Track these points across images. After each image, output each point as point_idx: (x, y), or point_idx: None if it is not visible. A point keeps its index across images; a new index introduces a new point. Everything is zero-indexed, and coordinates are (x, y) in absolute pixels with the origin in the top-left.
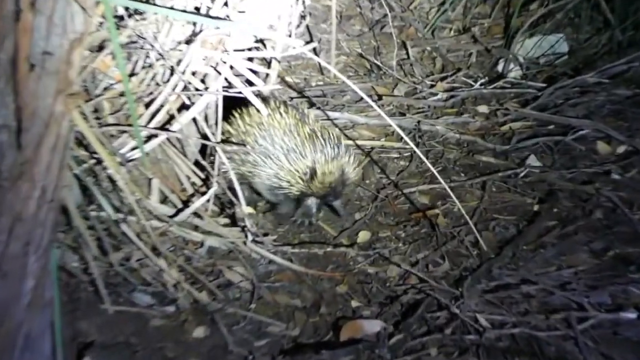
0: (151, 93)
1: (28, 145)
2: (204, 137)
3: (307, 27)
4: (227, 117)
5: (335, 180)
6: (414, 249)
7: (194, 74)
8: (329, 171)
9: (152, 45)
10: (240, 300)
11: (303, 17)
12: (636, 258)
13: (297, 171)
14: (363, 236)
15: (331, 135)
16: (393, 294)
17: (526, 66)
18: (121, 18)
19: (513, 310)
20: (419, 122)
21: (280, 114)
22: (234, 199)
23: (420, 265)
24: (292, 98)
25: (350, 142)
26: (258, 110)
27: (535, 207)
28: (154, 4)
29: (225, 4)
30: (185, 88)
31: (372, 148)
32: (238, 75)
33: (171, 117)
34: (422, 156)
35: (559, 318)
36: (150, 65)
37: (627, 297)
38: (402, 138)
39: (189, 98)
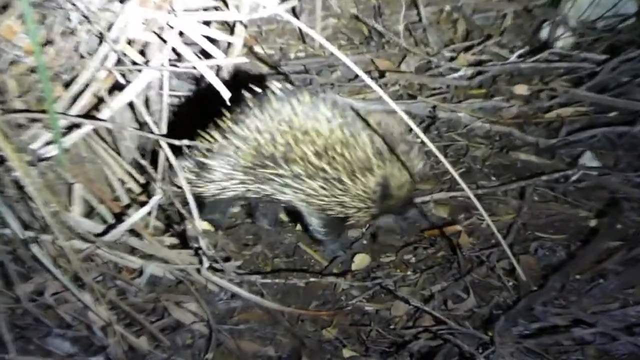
0: (73, 68)
1: None
2: (144, 127)
3: None
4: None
5: (411, 186)
6: (427, 279)
7: (130, 42)
8: (404, 181)
9: (74, 4)
10: (193, 349)
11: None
12: None
13: (365, 192)
14: (360, 261)
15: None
16: (399, 340)
17: (580, 32)
18: None
19: None
20: (434, 107)
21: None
22: (184, 211)
23: (437, 301)
24: (263, 75)
25: None
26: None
27: (592, 223)
28: None
29: None
30: (118, 62)
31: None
32: (190, 44)
33: (100, 101)
34: (438, 153)
35: None
36: (72, 31)
37: None
38: (411, 129)
39: (123, 75)
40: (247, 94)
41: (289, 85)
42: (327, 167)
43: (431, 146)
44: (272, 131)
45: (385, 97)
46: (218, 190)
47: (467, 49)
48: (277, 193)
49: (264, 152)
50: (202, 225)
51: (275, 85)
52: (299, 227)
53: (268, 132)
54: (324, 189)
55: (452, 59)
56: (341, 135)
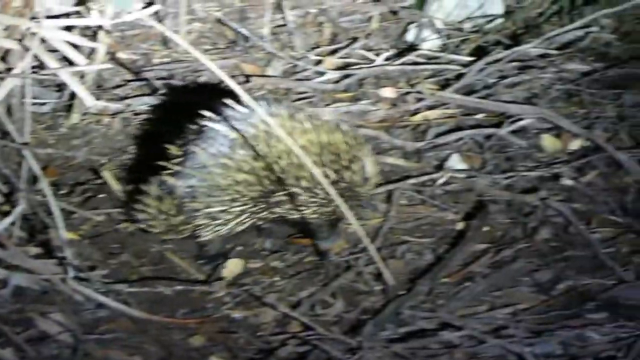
0: None
1: None
2: (7, 137)
3: None
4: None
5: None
6: (295, 285)
7: None
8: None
9: None
10: (59, 359)
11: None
12: (596, 292)
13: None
14: (233, 267)
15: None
16: (267, 347)
17: (446, 34)
18: None
19: None
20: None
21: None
22: (48, 220)
23: (305, 306)
24: (127, 81)
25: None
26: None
27: (460, 226)
28: None
29: None
30: None
31: None
32: (53, 51)
33: None
34: (305, 158)
35: None
36: None
37: (584, 346)
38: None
39: None
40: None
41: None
42: (329, 172)
43: (296, 150)
44: (270, 154)
45: (251, 102)
46: (227, 230)
47: (333, 52)
48: (288, 213)
49: (272, 177)
50: (67, 234)
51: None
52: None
53: (265, 156)
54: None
55: (318, 62)
56: (323, 137)
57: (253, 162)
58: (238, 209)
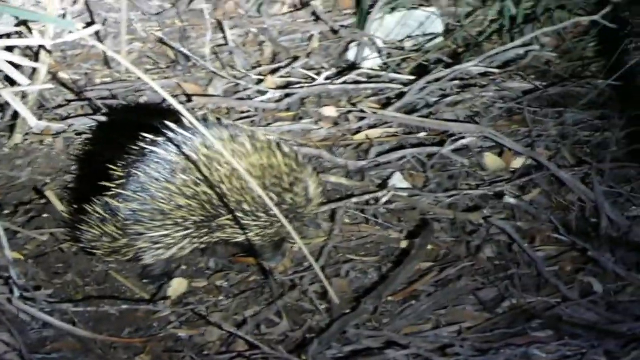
0: None
1: None
2: None
3: (87, 3)
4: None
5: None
6: (240, 304)
7: None
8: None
9: None
10: None
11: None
12: (540, 310)
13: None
14: (178, 286)
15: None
16: None
17: (387, 52)
18: None
19: None
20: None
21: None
22: None
23: (250, 325)
24: (69, 101)
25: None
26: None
27: (404, 244)
28: None
29: None
30: None
31: None
32: None
33: None
34: (248, 177)
35: None
36: None
37: None
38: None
39: None
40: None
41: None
42: (273, 195)
43: (240, 169)
44: (212, 178)
45: (192, 121)
46: (170, 254)
47: (274, 72)
48: (231, 237)
49: (214, 201)
50: (12, 254)
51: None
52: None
53: (207, 180)
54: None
55: (259, 81)
56: (264, 160)
57: (195, 186)
58: (181, 234)
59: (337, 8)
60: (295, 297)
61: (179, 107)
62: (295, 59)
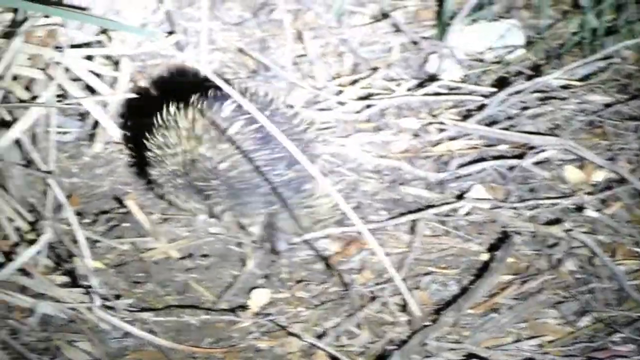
0: None
1: None
2: (32, 165)
3: (167, 12)
4: None
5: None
6: (320, 316)
7: (15, 79)
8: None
9: None
10: None
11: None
12: (622, 324)
13: None
14: (259, 297)
15: None
16: None
17: (468, 64)
18: None
19: None
20: (323, 141)
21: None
22: (74, 249)
23: (330, 337)
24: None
25: None
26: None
27: (484, 257)
28: None
29: None
30: (4, 99)
31: None
32: (76, 80)
33: None
34: (329, 187)
35: None
36: None
37: None
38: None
39: (9, 112)
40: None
41: None
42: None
43: (321, 180)
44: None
45: (273, 130)
46: None
47: (354, 82)
48: None
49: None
50: (93, 263)
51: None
52: None
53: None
54: None
55: (339, 92)
56: None
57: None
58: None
59: (418, 19)
60: (376, 309)
61: (260, 117)
62: (376, 70)
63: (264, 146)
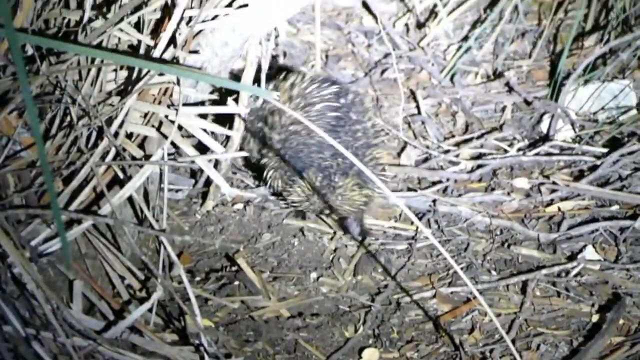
0: (72, 163)
1: None
2: (144, 223)
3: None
4: None
5: None
6: None
7: (129, 136)
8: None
9: (73, 98)
10: None
11: (276, 57)
12: None
13: None
14: (369, 357)
15: None
16: None
17: (580, 124)
18: (31, 60)
19: None
20: (434, 201)
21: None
22: (184, 307)
23: None
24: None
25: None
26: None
27: (595, 318)
28: (76, 42)
29: (172, 42)
30: (117, 156)
31: (366, 237)
32: (189, 137)
33: (99, 196)
34: (440, 247)
35: None
36: (71, 125)
37: None
38: (412, 222)
39: (123, 170)
40: None
41: None
42: None
43: (433, 240)
44: None
45: (385, 190)
46: None
47: (466, 142)
48: None
49: None
50: (203, 321)
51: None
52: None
53: None
54: None
55: (451, 152)
56: None
57: None
58: None
59: (531, 79)
60: None
61: (372, 176)
62: (488, 129)
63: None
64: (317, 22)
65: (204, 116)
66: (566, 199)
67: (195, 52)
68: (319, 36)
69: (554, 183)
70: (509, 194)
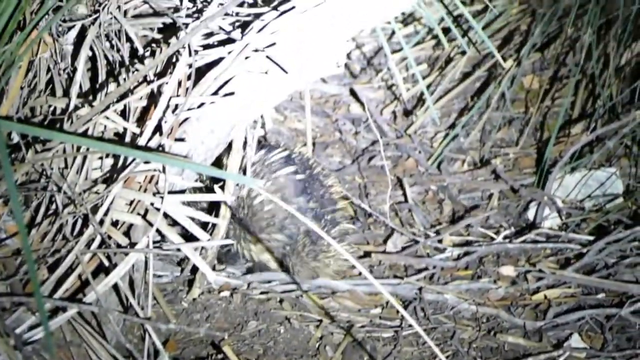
0: (57, 251)
1: None
2: (129, 311)
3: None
4: None
5: None
6: None
7: (115, 224)
8: None
9: (59, 186)
10: None
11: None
12: None
13: None
14: None
15: None
16: None
17: (567, 212)
18: (17, 148)
19: None
20: (420, 289)
21: None
22: None
23: None
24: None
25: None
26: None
27: None
28: (62, 130)
29: (158, 130)
30: (103, 244)
31: (352, 325)
32: (175, 225)
33: (84, 284)
34: (425, 336)
35: None
36: (57, 213)
37: None
38: (397, 311)
39: (108, 257)
40: None
41: None
42: None
43: (419, 329)
44: None
45: (370, 278)
46: None
47: (453, 229)
48: None
49: None
50: None
51: None
52: None
53: None
54: None
55: (436, 239)
56: None
57: None
58: None
59: (517, 167)
60: None
61: (356, 263)
62: (475, 217)
63: (301, 194)
64: (307, 108)
65: (190, 204)
66: (552, 286)
67: (181, 140)
68: (310, 122)
69: (540, 271)
70: (495, 281)
